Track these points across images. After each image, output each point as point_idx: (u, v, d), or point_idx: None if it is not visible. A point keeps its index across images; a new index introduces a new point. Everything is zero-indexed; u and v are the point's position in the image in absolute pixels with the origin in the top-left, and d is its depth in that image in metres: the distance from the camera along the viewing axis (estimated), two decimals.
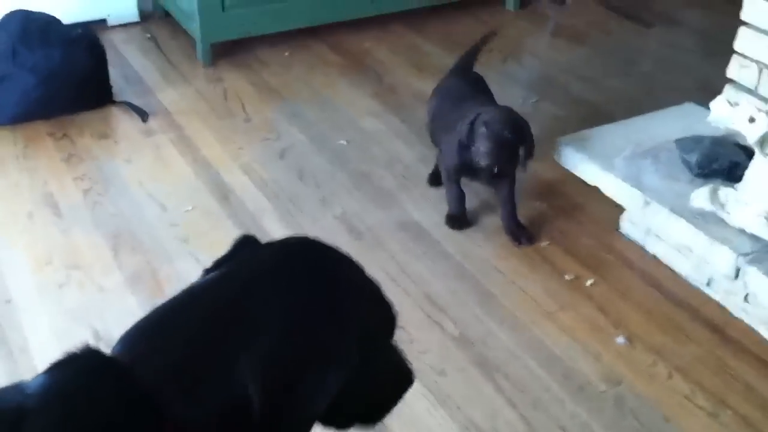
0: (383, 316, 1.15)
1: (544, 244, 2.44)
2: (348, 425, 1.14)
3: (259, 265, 1.10)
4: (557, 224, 2.53)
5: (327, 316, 1.05)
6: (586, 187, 2.45)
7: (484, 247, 2.44)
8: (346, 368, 1.03)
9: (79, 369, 0.98)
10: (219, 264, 1.13)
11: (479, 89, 2.64)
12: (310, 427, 1.03)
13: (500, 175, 2.41)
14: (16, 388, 0.98)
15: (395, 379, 1.19)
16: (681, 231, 2.18)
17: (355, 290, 1.12)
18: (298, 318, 1.03)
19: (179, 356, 1.00)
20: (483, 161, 2.31)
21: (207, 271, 1.13)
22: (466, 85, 2.63)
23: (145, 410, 0.95)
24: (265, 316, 1.02)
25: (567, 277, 2.32)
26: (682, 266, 2.30)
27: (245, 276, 1.08)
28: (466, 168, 2.41)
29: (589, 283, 2.29)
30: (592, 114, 3.03)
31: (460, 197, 2.51)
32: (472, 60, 2.79)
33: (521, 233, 2.45)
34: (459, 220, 2.51)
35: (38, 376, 0.98)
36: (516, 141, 2.32)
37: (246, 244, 1.15)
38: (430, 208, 2.57)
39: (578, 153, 2.44)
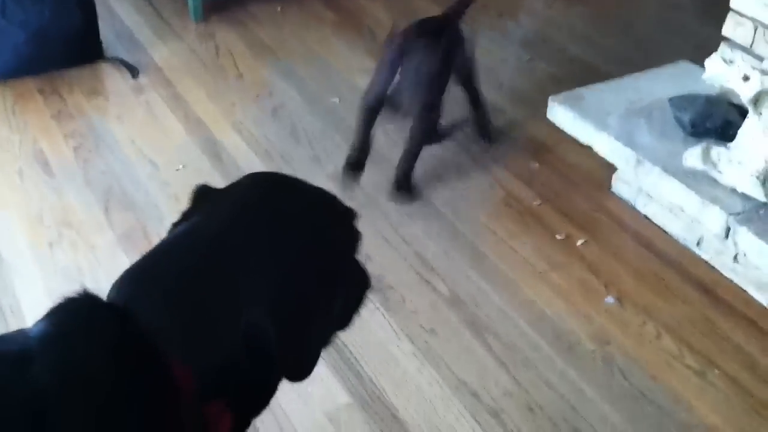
0: (350, 233, 1.18)
1: (536, 203, 2.44)
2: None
3: (231, 207, 1.11)
4: (549, 183, 2.52)
5: (311, 245, 1.08)
6: (578, 147, 2.44)
7: (477, 207, 2.44)
8: (339, 290, 1.08)
9: (79, 312, 0.97)
10: (186, 216, 1.12)
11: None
12: (314, 354, 1.07)
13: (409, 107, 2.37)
14: (19, 333, 0.98)
15: (360, 287, 1.24)
16: (673, 190, 2.17)
17: (329, 214, 1.15)
18: (286, 250, 1.05)
19: (175, 298, 1.00)
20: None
21: (175, 225, 1.12)
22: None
23: (147, 350, 0.94)
24: (252, 253, 1.03)
25: (558, 236, 2.32)
26: (674, 226, 2.30)
27: (223, 218, 1.09)
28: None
29: (580, 242, 2.30)
30: (587, 73, 3.00)
31: (367, 132, 2.44)
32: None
33: (401, 187, 2.41)
34: (356, 164, 2.44)
35: (39, 321, 0.98)
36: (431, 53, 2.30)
37: (206, 193, 1.16)
38: (422, 166, 2.56)
39: (571, 111, 2.43)
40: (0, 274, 2.14)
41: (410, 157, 2.43)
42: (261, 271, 1.02)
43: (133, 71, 3.01)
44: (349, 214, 1.17)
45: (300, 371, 1.05)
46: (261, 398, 1.06)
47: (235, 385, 1.00)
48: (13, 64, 2.93)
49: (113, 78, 3.01)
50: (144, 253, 1.07)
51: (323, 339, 1.11)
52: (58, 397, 0.87)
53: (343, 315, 1.19)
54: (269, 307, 0.98)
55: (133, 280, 1.04)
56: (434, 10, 3.45)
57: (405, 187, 2.42)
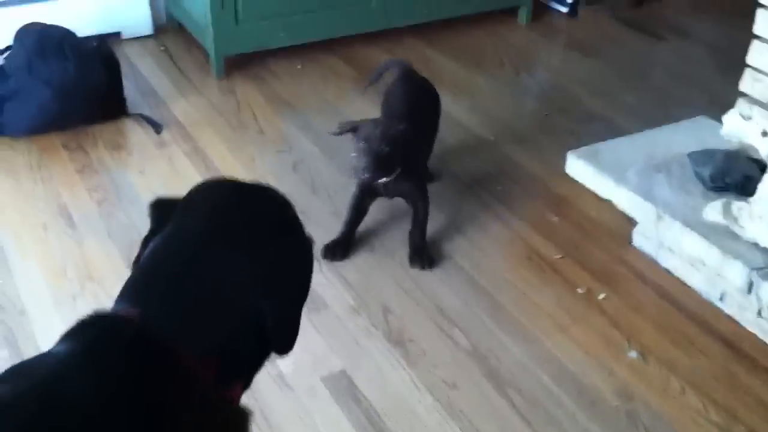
0: (296, 215, 1.26)
1: (556, 256, 2.44)
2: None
3: (203, 211, 1.19)
4: (569, 237, 2.53)
5: (283, 237, 1.19)
6: (598, 201, 2.45)
7: (497, 260, 2.44)
8: (310, 272, 1.25)
9: (96, 330, 1.05)
10: (154, 231, 1.19)
11: (410, 101, 2.56)
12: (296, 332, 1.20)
13: (403, 195, 2.42)
14: (44, 356, 1.04)
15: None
16: (694, 244, 2.17)
17: (284, 207, 1.24)
18: (264, 244, 1.15)
19: (180, 299, 1.09)
20: (361, 175, 2.30)
21: (147, 240, 1.19)
22: (400, 95, 2.60)
23: (163, 353, 1.02)
24: (237, 251, 1.12)
25: (579, 290, 2.32)
26: (695, 280, 2.29)
27: (199, 222, 1.17)
28: (368, 184, 2.39)
29: (601, 296, 2.29)
30: (605, 128, 3.03)
31: (355, 219, 2.47)
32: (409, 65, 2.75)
33: (421, 256, 2.41)
34: (335, 248, 2.42)
35: (57, 344, 1.03)
36: (392, 153, 2.27)
37: (165, 204, 1.23)
38: (442, 219, 2.58)
39: (590, 166, 2.44)
40: (23, 326, 2.16)
41: (420, 225, 2.44)
42: (249, 266, 1.12)
43: (157, 127, 3.06)
44: (288, 203, 1.26)
45: (288, 347, 1.18)
46: (257, 371, 1.19)
47: (244, 365, 1.14)
48: (39, 119, 2.98)
49: (136, 133, 3.06)
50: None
51: (299, 318, 1.23)
52: (94, 406, 0.96)
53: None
54: (263, 298, 1.11)
55: (137, 290, 1.12)
56: (449, 65, 3.52)
57: (422, 253, 2.42)
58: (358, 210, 2.47)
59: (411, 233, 2.44)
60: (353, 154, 2.28)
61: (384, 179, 2.33)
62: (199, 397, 1.04)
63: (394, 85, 2.67)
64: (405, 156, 2.31)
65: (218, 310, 1.10)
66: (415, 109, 2.50)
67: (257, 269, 1.12)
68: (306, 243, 1.24)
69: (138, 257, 1.21)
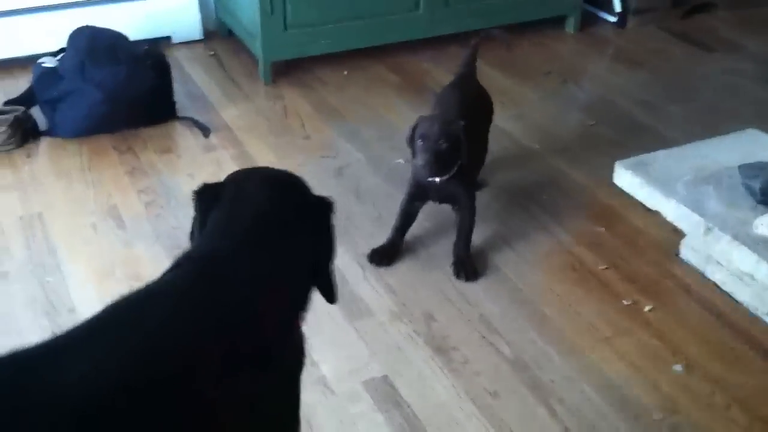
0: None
1: (602, 267, 2.42)
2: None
3: (253, 192, 1.38)
4: (615, 248, 2.51)
5: (317, 207, 1.42)
6: (645, 212, 2.43)
7: (541, 270, 2.43)
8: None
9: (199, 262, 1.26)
10: (204, 212, 1.37)
11: (465, 103, 2.53)
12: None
13: (452, 200, 2.40)
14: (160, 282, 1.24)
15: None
16: (743, 258, 2.15)
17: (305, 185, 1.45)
18: (309, 213, 1.39)
19: (263, 254, 1.29)
20: (422, 172, 2.30)
21: (202, 219, 1.36)
22: (455, 97, 2.56)
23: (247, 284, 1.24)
24: (290, 217, 1.36)
25: (625, 302, 2.30)
26: (743, 294, 2.26)
27: (252, 200, 1.36)
28: (419, 185, 2.39)
29: (647, 308, 2.27)
30: (651, 139, 3.01)
31: (404, 224, 2.46)
32: (471, 70, 2.72)
33: (465, 267, 2.39)
34: (382, 253, 2.44)
35: (168, 272, 1.25)
36: (451, 150, 2.26)
37: (211, 189, 1.39)
38: (487, 229, 2.57)
39: (638, 177, 2.43)
40: (72, 324, 2.19)
41: (465, 235, 2.43)
42: (302, 232, 1.36)
43: (205, 131, 3.10)
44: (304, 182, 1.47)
45: (334, 296, 1.45)
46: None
47: (304, 303, 1.37)
48: (90, 121, 3.04)
49: (185, 137, 3.11)
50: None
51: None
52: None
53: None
54: (320, 253, 1.40)
55: (215, 239, 1.31)
56: (495, 75, 3.52)
57: (466, 264, 2.41)
58: (408, 214, 2.46)
59: (455, 244, 2.44)
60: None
61: (439, 178, 2.32)
62: (282, 316, 1.30)
63: (450, 87, 2.65)
64: (467, 153, 2.30)
65: (288, 261, 1.32)
66: (469, 114, 2.46)
67: (307, 235, 1.37)
68: (329, 212, 1.44)
69: (192, 233, 1.41)
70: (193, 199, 1.39)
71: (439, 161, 2.25)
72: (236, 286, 1.22)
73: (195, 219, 1.39)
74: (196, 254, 1.30)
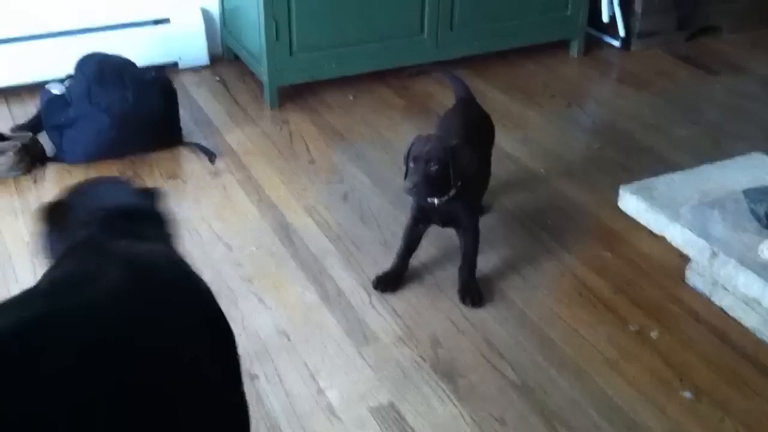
0: None
1: (608, 292, 2.42)
2: None
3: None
4: (621, 273, 2.50)
5: None
6: (651, 236, 2.42)
7: (547, 294, 2.43)
8: None
9: None
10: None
11: (466, 127, 2.52)
12: None
13: (455, 223, 2.39)
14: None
15: None
16: (749, 283, 2.14)
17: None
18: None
19: None
20: (411, 195, 2.30)
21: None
22: (456, 121, 2.55)
23: None
24: None
25: (631, 327, 2.29)
26: (750, 319, 2.25)
27: None
28: (421, 208, 2.39)
29: (654, 334, 2.26)
30: (657, 162, 3.01)
31: (408, 248, 2.46)
32: (470, 94, 2.72)
33: (471, 292, 2.38)
34: (387, 280, 2.44)
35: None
36: (441, 172, 2.24)
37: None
38: (493, 253, 2.57)
39: (643, 201, 2.42)
40: None
41: (470, 259, 2.43)
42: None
43: (211, 156, 3.12)
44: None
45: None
46: None
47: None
48: (97, 146, 3.06)
49: (191, 162, 3.12)
50: None
51: None
52: None
53: None
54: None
55: None
56: (500, 98, 3.53)
57: (471, 289, 2.41)
58: (411, 238, 2.46)
59: (460, 269, 2.43)
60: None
61: (436, 200, 2.33)
62: None
63: (451, 111, 2.66)
64: (460, 175, 2.28)
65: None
66: (470, 137, 2.45)
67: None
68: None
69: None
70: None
71: (427, 183, 2.24)
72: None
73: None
74: None
